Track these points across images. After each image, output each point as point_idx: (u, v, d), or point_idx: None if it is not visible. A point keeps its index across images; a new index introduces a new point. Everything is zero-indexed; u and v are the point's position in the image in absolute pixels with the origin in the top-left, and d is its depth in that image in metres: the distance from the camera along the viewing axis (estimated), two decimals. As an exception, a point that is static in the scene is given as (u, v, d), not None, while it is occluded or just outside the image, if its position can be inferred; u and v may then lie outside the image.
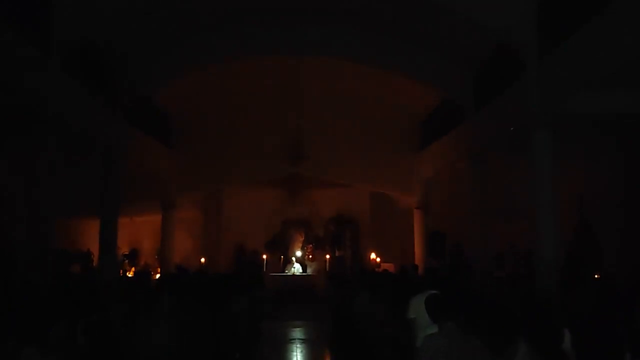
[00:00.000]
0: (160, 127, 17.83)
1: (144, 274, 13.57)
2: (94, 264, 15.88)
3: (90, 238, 16.19)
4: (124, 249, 19.75)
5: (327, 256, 21.30)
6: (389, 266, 16.78)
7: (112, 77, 13.61)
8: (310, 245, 22.22)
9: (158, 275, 16.53)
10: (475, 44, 12.41)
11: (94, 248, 15.32)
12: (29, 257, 10.12)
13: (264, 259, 20.89)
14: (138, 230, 20.96)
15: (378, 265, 19.29)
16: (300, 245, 22.28)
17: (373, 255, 20.86)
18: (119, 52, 13.06)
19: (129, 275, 17.90)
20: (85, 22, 10.95)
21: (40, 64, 10.17)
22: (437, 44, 13.46)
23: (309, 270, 21.46)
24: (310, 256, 22.14)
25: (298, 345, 12.18)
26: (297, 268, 21.19)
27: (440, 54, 13.91)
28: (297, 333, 13.74)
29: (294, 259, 21.66)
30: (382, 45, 14.14)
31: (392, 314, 6.94)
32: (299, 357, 11.08)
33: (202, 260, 20.43)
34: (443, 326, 4.13)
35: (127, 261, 20.01)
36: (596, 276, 12.23)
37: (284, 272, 21.08)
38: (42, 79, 10.17)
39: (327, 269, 20.43)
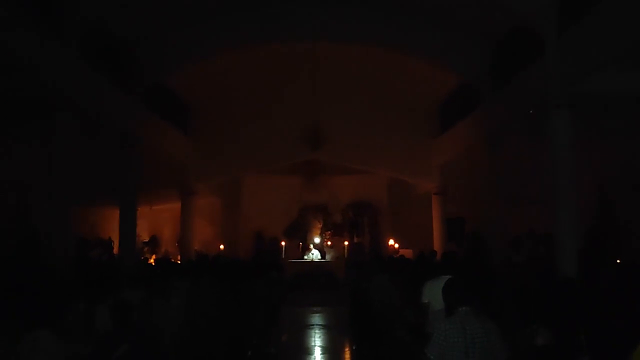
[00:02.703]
0: (179, 115, 17.91)
1: (163, 261, 13.74)
2: (115, 251, 16.08)
3: (112, 226, 16.36)
4: (144, 237, 19.96)
5: (346, 242, 21.30)
6: (407, 252, 16.70)
7: (129, 62, 13.66)
8: (329, 232, 22.23)
9: (178, 262, 16.67)
10: (492, 24, 12.23)
11: (115, 236, 15.49)
12: (50, 243, 10.27)
13: (282, 245, 20.95)
14: (158, 218, 21.15)
15: (396, 251, 19.24)
16: (319, 231, 22.30)
17: (391, 242, 20.82)
18: (135, 37, 13.11)
19: (149, 262, 18.09)
20: (99, 7, 11.01)
21: (55, 50, 10.26)
22: (454, 24, 13.29)
23: (328, 257, 21.49)
24: (329, 242, 22.15)
25: (316, 331, 12.22)
26: (315, 254, 21.22)
27: (457, 35, 13.74)
28: (316, 319, 13.79)
29: (312, 245, 21.68)
30: (399, 28, 14.00)
31: (410, 299, 6.93)
32: (317, 342, 11.12)
33: (221, 247, 20.57)
34: (457, 310, 4.10)
35: (147, 248, 20.22)
36: (617, 261, 12.06)
37: (302, 258, 21.12)
38: (57, 65, 10.25)
39: (346, 255, 20.44)
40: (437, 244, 17.86)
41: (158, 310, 5.95)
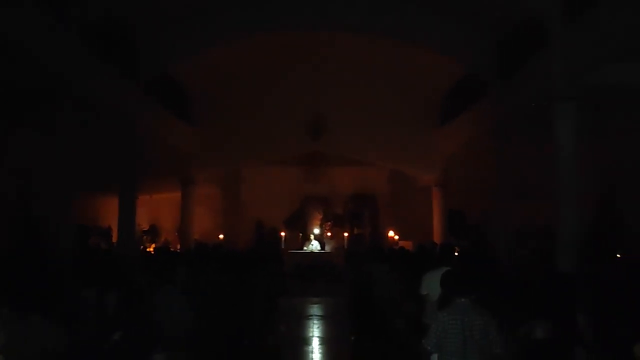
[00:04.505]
0: (180, 104, 17.84)
1: (163, 249, 13.72)
2: (114, 240, 16.07)
3: (111, 215, 16.36)
4: (144, 226, 19.96)
5: (346, 234, 21.28)
6: (407, 244, 16.69)
7: (132, 50, 13.59)
8: (329, 223, 22.21)
9: (178, 251, 16.68)
10: (498, 15, 12.13)
11: (115, 225, 15.48)
12: (51, 230, 10.26)
13: (282, 236, 20.94)
14: (158, 207, 21.15)
15: (396, 243, 19.23)
16: (319, 222, 22.28)
17: (391, 233, 20.80)
18: (139, 25, 13.03)
19: (149, 251, 18.09)
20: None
21: (58, 37, 10.19)
22: (459, 15, 13.18)
23: (328, 248, 21.45)
24: (329, 233, 22.13)
25: (315, 321, 12.21)
26: (315, 245, 21.19)
27: (463, 25, 13.64)
28: (315, 309, 13.79)
29: (312, 236, 21.65)
30: (404, 18, 13.91)
31: (409, 290, 6.91)
32: (315, 332, 11.12)
33: (221, 236, 20.57)
34: (455, 302, 4.07)
35: (146, 237, 20.23)
36: (618, 255, 12.04)
37: (302, 249, 21.09)
38: (59, 52, 10.18)
39: (346, 247, 20.42)
40: (437, 236, 17.84)
41: (160, 299, 5.93)
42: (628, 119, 11.38)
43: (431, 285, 5.32)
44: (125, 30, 13.01)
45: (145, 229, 20.30)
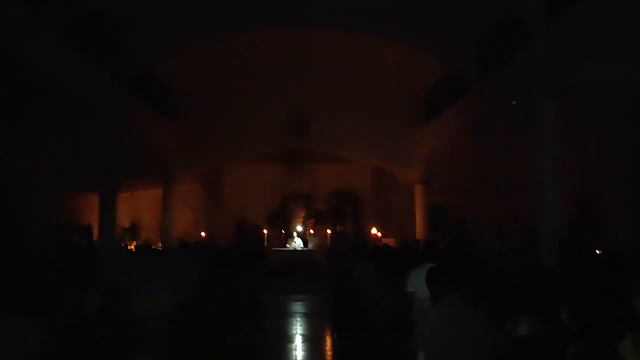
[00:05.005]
0: (162, 101, 17.66)
1: (144, 248, 13.57)
2: (94, 238, 15.88)
3: (91, 213, 16.16)
4: (124, 224, 19.76)
5: (329, 231, 21.29)
6: (390, 241, 16.74)
7: (112, 46, 13.40)
8: (312, 220, 22.19)
9: (159, 249, 16.52)
10: (480, 13, 12.18)
11: (96, 223, 15.30)
12: (30, 228, 10.10)
13: (265, 233, 20.87)
14: (139, 205, 20.93)
15: (379, 240, 19.28)
16: (302, 220, 22.25)
17: (374, 230, 20.84)
18: (120, 20, 12.86)
19: (130, 249, 17.90)
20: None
21: (38, 31, 10.00)
22: (441, 12, 13.21)
23: (310, 245, 21.44)
24: (312, 231, 22.12)
25: (298, 319, 12.19)
26: (298, 243, 21.17)
27: (445, 23, 13.66)
28: (298, 307, 13.77)
29: (295, 233, 21.63)
30: (386, 15, 13.87)
31: (392, 287, 6.90)
32: (298, 330, 11.09)
33: (203, 234, 20.44)
34: (442, 299, 4.05)
35: (127, 235, 20.02)
36: (598, 252, 12.15)
37: (285, 246, 21.07)
38: (40, 46, 10.00)
39: (329, 244, 20.43)
40: (419, 233, 17.91)
41: (142, 297, 5.86)
42: (608, 117, 11.51)
43: (417, 282, 5.30)
44: (106, 26, 12.82)
45: (126, 227, 20.09)
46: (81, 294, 5.00)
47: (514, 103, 11.38)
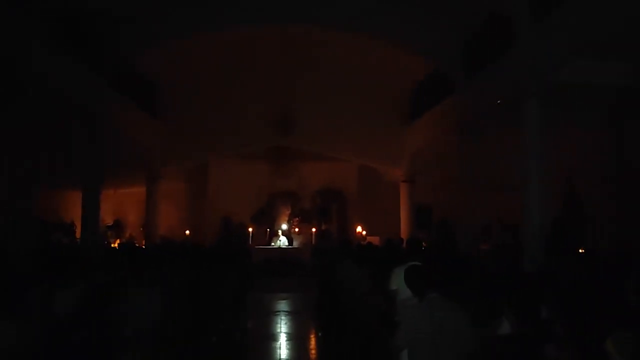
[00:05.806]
0: (146, 97, 17.49)
1: (128, 245, 13.46)
2: (77, 235, 15.71)
3: (74, 209, 15.99)
4: (108, 221, 19.59)
5: (314, 229, 21.26)
6: (375, 239, 16.75)
7: (95, 40, 13.23)
8: (297, 218, 22.15)
9: (143, 247, 16.39)
10: (466, 12, 12.21)
11: (78, 220, 15.13)
12: (7, 225, 9.95)
13: (250, 231, 20.79)
14: (122, 202, 20.77)
15: (364, 238, 19.29)
16: (287, 218, 22.19)
17: (359, 229, 20.85)
18: (102, 15, 12.70)
19: (113, 247, 17.75)
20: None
21: (16, 23, 9.84)
22: (427, 11, 13.22)
23: (295, 243, 21.41)
24: (297, 229, 22.08)
25: (283, 317, 12.15)
26: (283, 241, 21.12)
27: (431, 22, 13.68)
28: (282, 305, 13.73)
29: (280, 231, 21.56)
30: (371, 13, 13.86)
31: (376, 285, 6.88)
32: (283, 328, 11.05)
33: (187, 232, 20.32)
34: (425, 297, 4.04)
35: (110, 232, 19.86)
36: (581, 250, 12.24)
37: (270, 244, 21.01)
38: (18, 40, 9.85)
39: (314, 242, 20.40)
40: (404, 231, 17.95)
41: (125, 296, 5.78)
42: (592, 116, 11.61)
43: (400, 280, 5.28)
44: (89, 20, 12.66)
45: (109, 224, 19.92)
46: (55, 292, 4.91)
47: (498, 102, 11.42)
